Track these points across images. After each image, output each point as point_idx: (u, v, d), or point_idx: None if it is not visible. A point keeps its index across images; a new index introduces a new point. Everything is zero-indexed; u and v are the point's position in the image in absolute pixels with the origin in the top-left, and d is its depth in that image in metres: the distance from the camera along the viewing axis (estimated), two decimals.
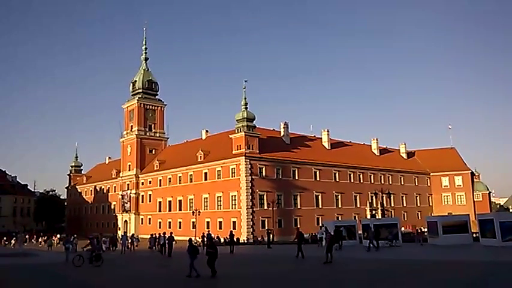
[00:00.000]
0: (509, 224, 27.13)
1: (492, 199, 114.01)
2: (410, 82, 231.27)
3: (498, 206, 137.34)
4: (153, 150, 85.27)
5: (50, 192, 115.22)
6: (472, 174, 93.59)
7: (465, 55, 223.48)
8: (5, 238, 59.51)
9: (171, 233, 32.22)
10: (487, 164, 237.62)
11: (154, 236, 39.28)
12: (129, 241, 41.02)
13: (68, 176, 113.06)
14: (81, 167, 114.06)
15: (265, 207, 61.13)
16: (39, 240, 64.39)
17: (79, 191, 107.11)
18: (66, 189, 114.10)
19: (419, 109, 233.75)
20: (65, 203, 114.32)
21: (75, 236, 45.53)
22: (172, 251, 30.45)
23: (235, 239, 36.66)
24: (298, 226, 49.49)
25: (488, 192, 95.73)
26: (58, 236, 63.64)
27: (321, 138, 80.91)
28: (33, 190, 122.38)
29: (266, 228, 56.33)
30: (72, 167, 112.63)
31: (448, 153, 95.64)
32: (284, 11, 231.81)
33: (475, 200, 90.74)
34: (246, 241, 55.50)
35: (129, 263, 28.49)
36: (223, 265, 25.21)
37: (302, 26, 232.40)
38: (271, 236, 41.93)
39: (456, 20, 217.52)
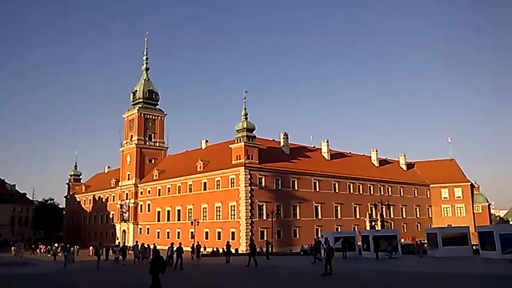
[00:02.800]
0: (510, 236, 26.98)
1: (492, 211, 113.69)
2: (410, 93, 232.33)
3: (498, 218, 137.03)
4: (153, 160, 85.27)
5: (49, 201, 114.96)
6: (472, 186, 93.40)
7: (465, 66, 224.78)
8: (13, 248, 59.70)
9: (180, 243, 31.08)
10: (486, 176, 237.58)
11: (137, 244, 38.04)
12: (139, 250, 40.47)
13: (67, 185, 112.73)
14: (81, 176, 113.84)
15: (265, 218, 60.91)
16: (41, 248, 63.83)
17: (78, 200, 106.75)
18: (65, 198, 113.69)
19: (419, 120, 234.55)
20: (64, 212, 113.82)
21: (70, 246, 45.42)
22: (182, 262, 28.55)
23: (233, 250, 36.37)
24: (252, 238, 49.71)
25: (488, 204, 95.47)
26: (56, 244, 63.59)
27: (321, 149, 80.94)
28: (31, 199, 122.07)
29: (265, 238, 56.13)
30: (71, 176, 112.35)
31: (447, 164, 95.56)
32: (284, 21, 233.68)
33: (474, 212, 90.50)
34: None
35: (134, 272, 28.32)
36: (222, 276, 25.17)
37: (302, 36, 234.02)
38: (269, 247, 41.75)
39: (455, 31, 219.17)
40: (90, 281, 22.89)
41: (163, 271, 16.39)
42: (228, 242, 36.58)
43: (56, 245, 57.71)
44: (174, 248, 29.24)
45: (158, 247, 26.59)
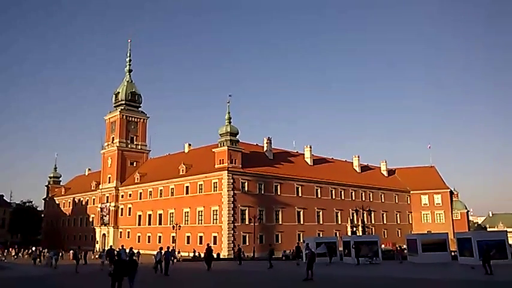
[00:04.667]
0: (487, 243, 27.52)
1: (470, 218, 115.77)
2: (392, 100, 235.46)
3: (476, 225, 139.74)
4: (134, 163, 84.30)
5: (27, 204, 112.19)
6: (451, 193, 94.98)
7: (445, 75, 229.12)
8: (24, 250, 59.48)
9: (168, 247, 30.24)
10: (465, 183, 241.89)
11: (123, 249, 37.07)
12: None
13: (46, 187, 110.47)
14: (60, 178, 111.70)
15: (247, 223, 60.67)
16: (10, 252, 62.41)
17: (57, 202, 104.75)
18: (43, 201, 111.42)
19: (400, 127, 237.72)
20: (42, 215, 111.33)
21: (54, 250, 44.74)
22: (168, 268, 27.21)
23: (215, 254, 36.20)
24: (208, 243, 49.51)
25: (466, 211, 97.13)
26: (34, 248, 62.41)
27: (304, 154, 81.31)
28: (9, 201, 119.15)
29: (247, 243, 56.07)
30: (50, 178, 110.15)
31: (427, 171, 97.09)
32: (270, 24, 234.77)
33: (453, 218, 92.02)
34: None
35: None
36: (205, 281, 24.99)
37: (288, 40, 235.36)
38: (242, 253, 41.64)
39: (437, 39, 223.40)
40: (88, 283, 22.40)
41: (129, 275, 15.46)
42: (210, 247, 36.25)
43: (33, 248, 56.54)
44: (163, 253, 28.42)
45: (141, 251, 26.14)
